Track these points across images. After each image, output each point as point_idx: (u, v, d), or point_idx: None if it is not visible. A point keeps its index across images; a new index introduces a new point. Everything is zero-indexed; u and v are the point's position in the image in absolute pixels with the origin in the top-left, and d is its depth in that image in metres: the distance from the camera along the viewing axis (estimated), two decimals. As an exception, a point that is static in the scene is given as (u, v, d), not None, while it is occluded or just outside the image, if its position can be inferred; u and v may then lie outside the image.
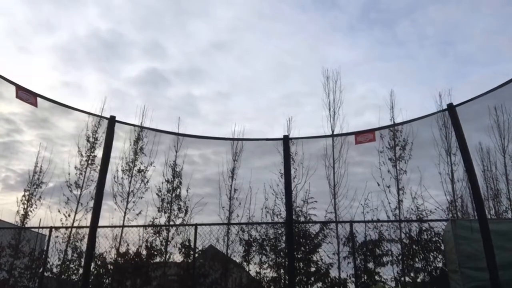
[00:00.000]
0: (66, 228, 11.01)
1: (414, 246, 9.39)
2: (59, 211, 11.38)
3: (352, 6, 21.12)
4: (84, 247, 10.17)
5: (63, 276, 10.33)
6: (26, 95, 5.28)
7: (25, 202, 12.27)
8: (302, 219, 10.41)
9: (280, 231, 9.99)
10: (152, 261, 10.16)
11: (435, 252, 9.18)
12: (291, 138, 7.82)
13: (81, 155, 12.17)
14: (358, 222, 9.80)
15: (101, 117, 8.97)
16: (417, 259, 9.28)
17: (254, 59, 21.57)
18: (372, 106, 20.98)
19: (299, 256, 9.58)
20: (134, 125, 9.54)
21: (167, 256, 10.44)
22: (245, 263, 9.92)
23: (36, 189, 12.43)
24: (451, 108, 5.62)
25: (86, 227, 10.55)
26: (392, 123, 12.20)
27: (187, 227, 10.68)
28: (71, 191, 11.75)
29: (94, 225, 5.60)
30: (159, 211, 11.47)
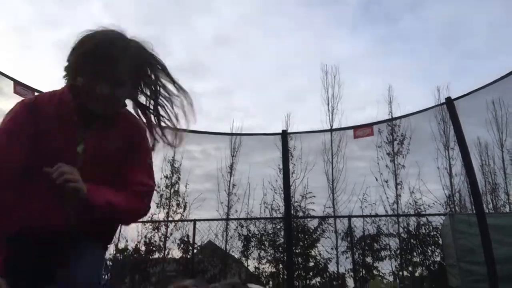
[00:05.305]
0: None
1: (412, 241, 9.41)
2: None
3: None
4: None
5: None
6: (24, 90, 5.25)
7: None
8: (300, 214, 10.43)
9: (278, 226, 9.99)
10: (151, 257, 10.16)
11: (433, 247, 9.21)
12: (290, 133, 7.79)
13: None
14: (357, 216, 9.82)
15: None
16: (415, 254, 9.31)
17: (256, 54, 21.47)
18: (373, 101, 20.98)
19: (297, 251, 9.59)
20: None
21: (166, 252, 10.45)
22: (243, 259, 9.95)
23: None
24: (449, 102, 5.61)
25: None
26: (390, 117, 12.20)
27: (185, 222, 10.68)
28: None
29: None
30: (157, 207, 11.45)
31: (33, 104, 1.54)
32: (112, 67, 1.44)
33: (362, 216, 9.94)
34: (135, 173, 1.59)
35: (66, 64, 1.53)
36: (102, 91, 1.44)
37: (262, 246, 9.89)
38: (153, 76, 1.61)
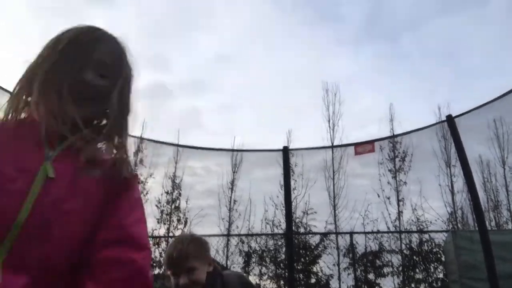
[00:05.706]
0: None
1: (414, 257, 9.37)
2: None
3: (357, 18, 21.15)
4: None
5: None
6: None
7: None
8: (302, 230, 10.40)
9: (280, 243, 9.97)
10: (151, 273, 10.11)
11: (435, 263, 9.18)
12: (291, 149, 7.84)
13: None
14: (358, 233, 9.78)
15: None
16: (417, 270, 9.27)
17: (257, 72, 21.62)
18: (374, 119, 21.08)
19: (299, 267, 9.55)
20: (133, 136, 9.56)
21: (167, 268, 10.39)
22: (245, 275, 9.88)
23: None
24: (450, 119, 5.67)
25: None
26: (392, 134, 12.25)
27: (186, 238, 10.63)
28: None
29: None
30: (158, 222, 11.44)
31: None
32: (98, 51, 1.09)
33: (364, 232, 9.91)
34: (128, 221, 1.04)
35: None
36: (88, 77, 1.05)
37: (263, 262, 9.86)
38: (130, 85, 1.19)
